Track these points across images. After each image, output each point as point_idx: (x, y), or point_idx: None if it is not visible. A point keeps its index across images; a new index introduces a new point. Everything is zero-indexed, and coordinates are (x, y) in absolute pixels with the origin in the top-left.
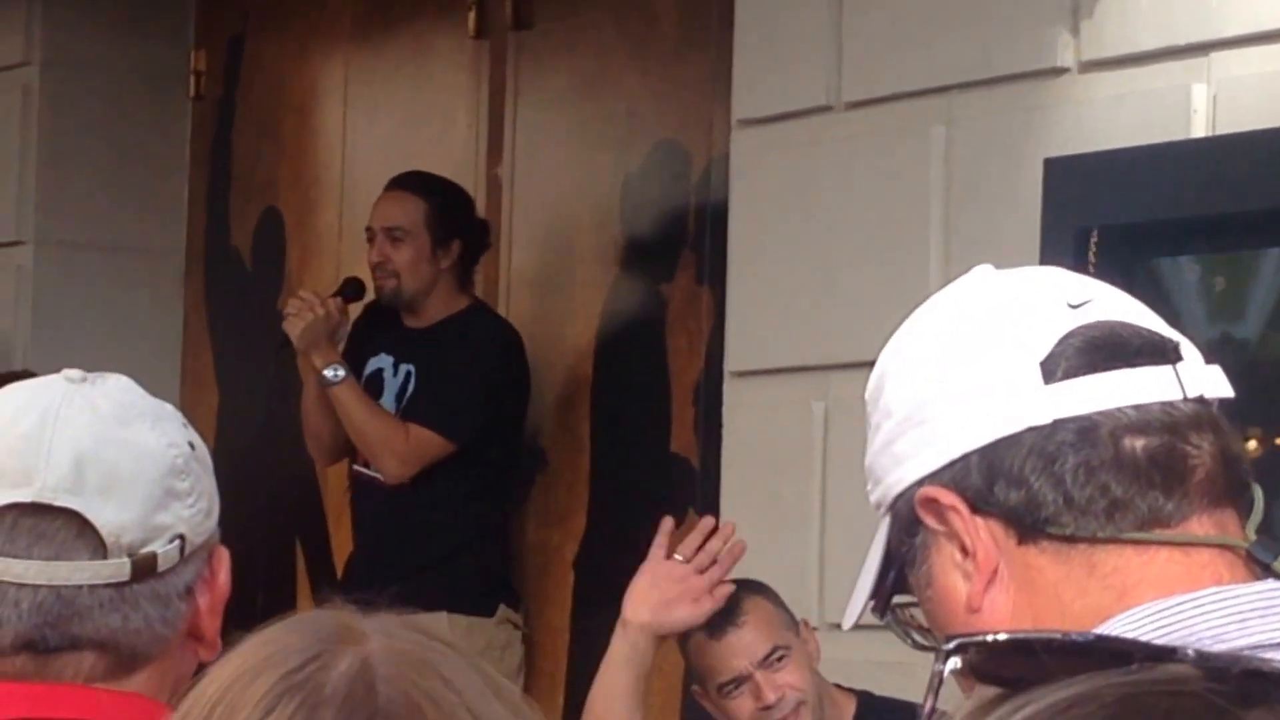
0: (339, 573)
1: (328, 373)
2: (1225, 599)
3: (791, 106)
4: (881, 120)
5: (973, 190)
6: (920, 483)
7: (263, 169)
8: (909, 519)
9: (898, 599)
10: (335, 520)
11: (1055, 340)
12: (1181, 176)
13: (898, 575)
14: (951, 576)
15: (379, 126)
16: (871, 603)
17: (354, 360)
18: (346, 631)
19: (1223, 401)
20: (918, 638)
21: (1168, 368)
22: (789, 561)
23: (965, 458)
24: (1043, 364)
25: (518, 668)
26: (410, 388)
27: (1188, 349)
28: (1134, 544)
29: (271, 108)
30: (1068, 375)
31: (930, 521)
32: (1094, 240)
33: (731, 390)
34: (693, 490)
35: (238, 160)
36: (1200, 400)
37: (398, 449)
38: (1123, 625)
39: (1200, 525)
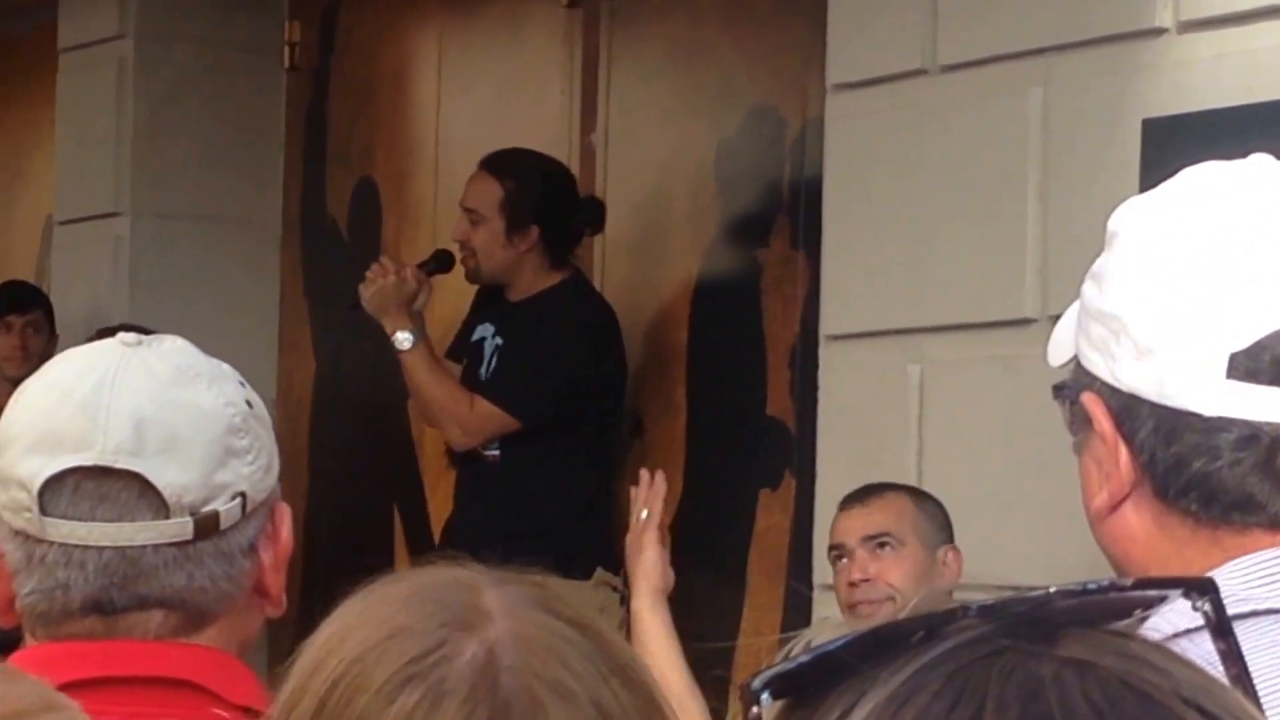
0: (436, 539)
1: (397, 338)
2: None
3: (886, 70)
4: (977, 83)
5: (1070, 153)
6: (1094, 379)
7: (358, 139)
8: (1079, 386)
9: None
10: (432, 487)
11: (1261, 334)
12: None
13: (1080, 388)
14: (1090, 469)
15: (473, 95)
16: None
17: (468, 327)
18: (471, 612)
19: None
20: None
21: None
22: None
23: (1135, 398)
24: (1233, 356)
25: (617, 628)
26: (495, 361)
27: None
28: (1266, 528)
29: (366, 78)
30: (1251, 378)
31: (1089, 417)
32: None
33: (827, 354)
34: (789, 454)
35: (333, 131)
36: None
37: (460, 418)
38: (1230, 572)
39: None
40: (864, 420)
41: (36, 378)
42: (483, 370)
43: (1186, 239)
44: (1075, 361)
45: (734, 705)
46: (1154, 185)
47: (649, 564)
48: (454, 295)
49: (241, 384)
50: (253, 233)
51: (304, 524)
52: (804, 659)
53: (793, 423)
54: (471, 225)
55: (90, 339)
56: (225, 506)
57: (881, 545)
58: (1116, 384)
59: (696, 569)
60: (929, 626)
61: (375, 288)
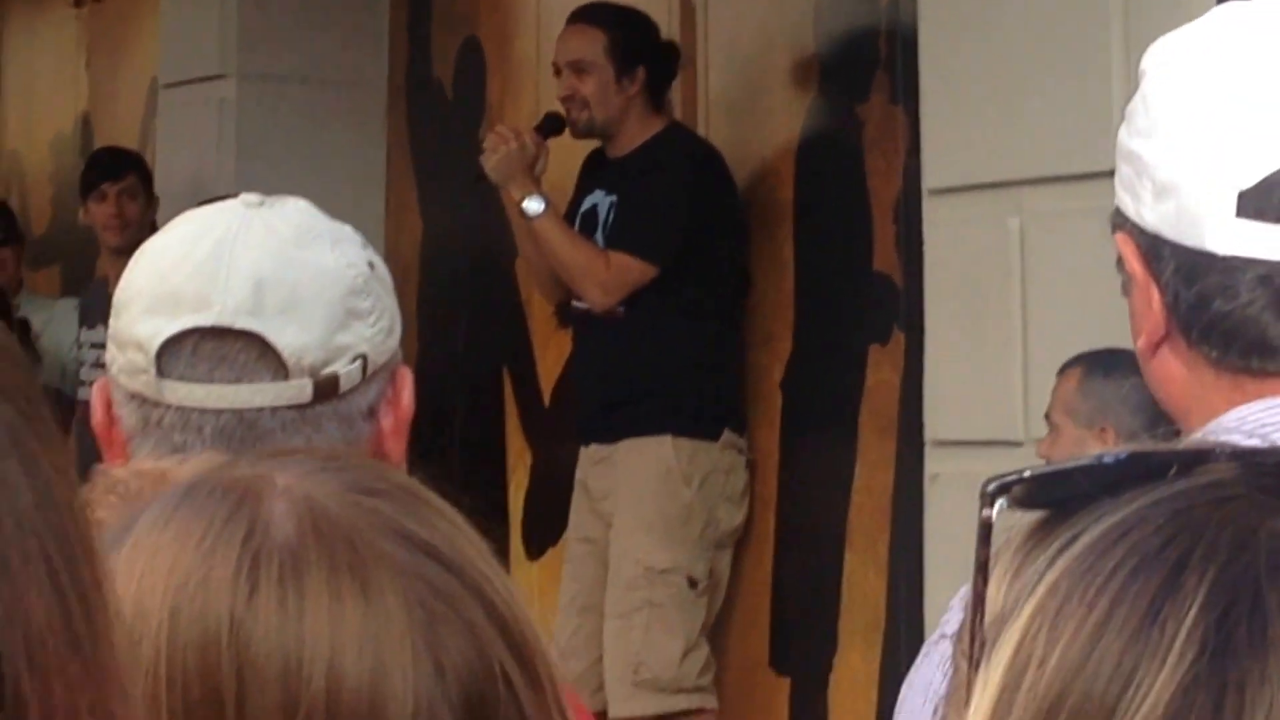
0: (546, 400)
1: (527, 204)
2: None
3: None
4: None
5: (1149, 9)
6: (1126, 220)
7: None
8: (1114, 227)
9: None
10: (542, 347)
11: (1267, 171)
12: None
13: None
14: (1134, 306)
15: None
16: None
17: (575, 201)
18: (248, 481)
19: None
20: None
21: None
22: (993, 375)
23: (1159, 238)
24: (1242, 194)
25: (742, 493)
26: (612, 218)
27: None
28: None
29: None
30: (1260, 217)
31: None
32: None
33: (930, 208)
34: (897, 309)
35: None
36: None
37: (599, 276)
38: (1229, 422)
39: None
40: (969, 273)
41: (157, 238)
42: (598, 237)
43: (1202, 78)
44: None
45: (849, 562)
46: None
47: None
48: (553, 165)
49: (365, 245)
50: (358, 95)
51: (413, 388)
52: (1046, 471)
53: (899, 277)
54: (578, 77)
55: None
56: (345, 369)
57: (1050, 428)
58: (1142, 224)
59: (807, 427)
60: (1183, 461)
61: (499, 156)
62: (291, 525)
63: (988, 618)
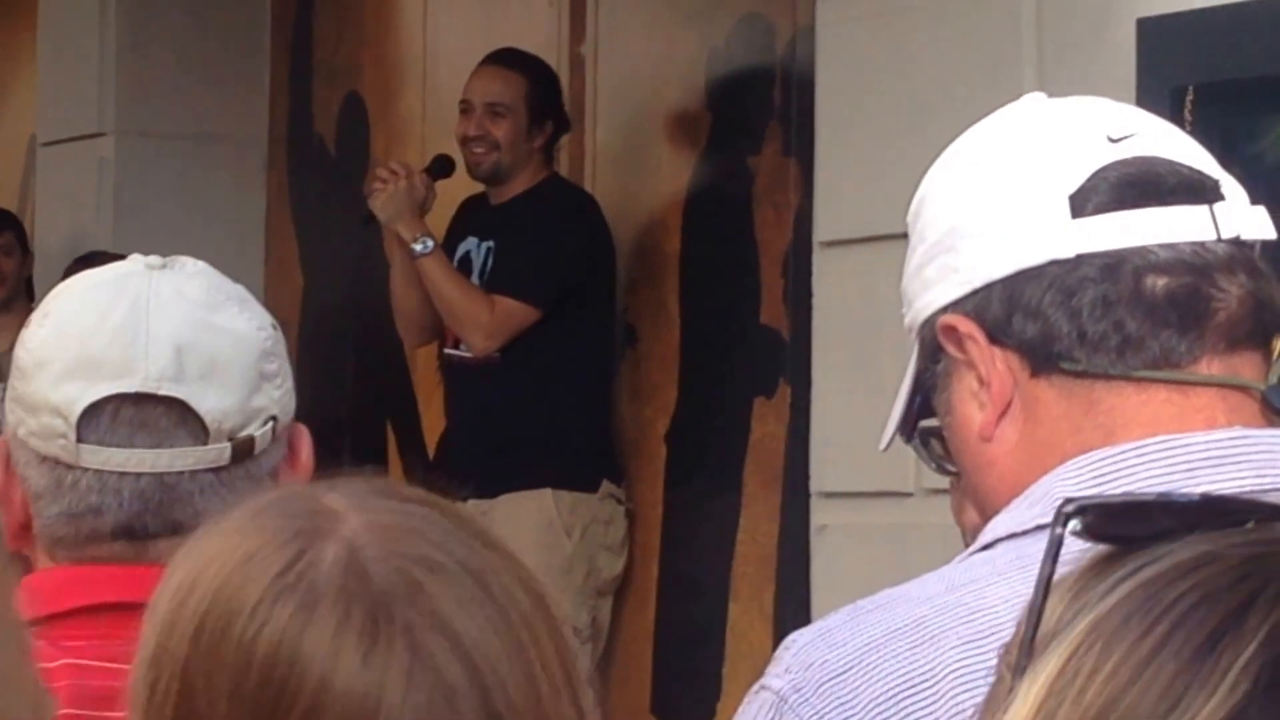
0: (430, 453)
1: (415, 245)
2: (1172, 448)
3: None
4: None
5: (1065, 53)
6: (944, 310)
7: (344, 53)
8: (933, 345)
9: (924, 423)
10: (425, 401)
11: (1088, 174)
12: (1277, 32)
13: (924, 400)
14: (968, 405)
15: (460, 7)
16: (900, 424)
17: (447, 249)
18: (320, 517)
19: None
20: (943, 464)
21: (1203, 207)
22: (880, 429)
23: (988, 287)
24: (1072, 197)
25: (621, 542)
26: (490, 263)
27: (1230, 188)
28: (1136, 383)
29: None
30: (1097, 211)
31: (951, 349)
32: (1190, 100)
33: (821, 261)
34: (783, 362)
35: (319, 45)
36: (1237, 242)
37: (483, 322)
38: (1065, 474)
39: (1209, 367)
40: (858, 326)
41: (62, 300)
42: (474, 280)
43: (993, 148)
44: (918, 350)
45: (733, 612)
46: (1150, 83)
47: None
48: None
49: (261, 306)
50: (238, 150)
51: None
52: (1124, 500)
53: (786, 330)
54: (493, 119)
55: (70, 268)
56: (259, 431)
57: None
58: (968, 287)
59: (692, 479)
60: (1264, 514)
61: (387, 193)
62: (333, 573)
63: (1040, 633)
